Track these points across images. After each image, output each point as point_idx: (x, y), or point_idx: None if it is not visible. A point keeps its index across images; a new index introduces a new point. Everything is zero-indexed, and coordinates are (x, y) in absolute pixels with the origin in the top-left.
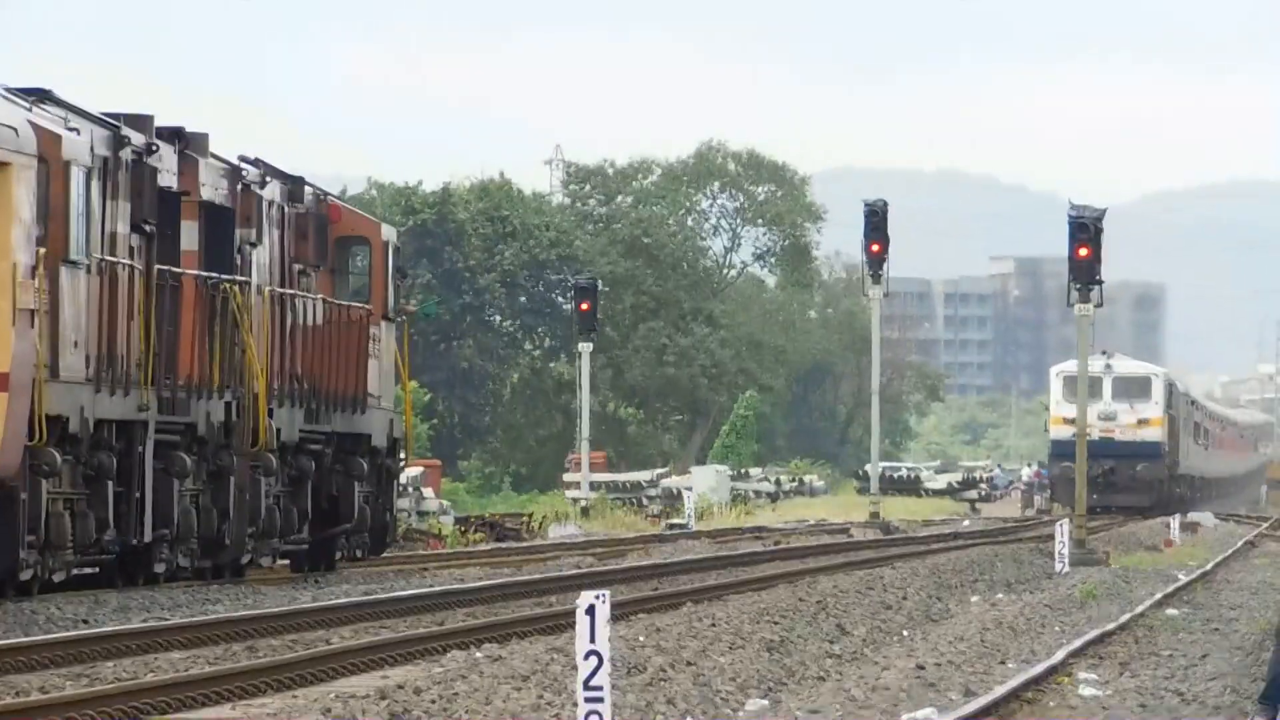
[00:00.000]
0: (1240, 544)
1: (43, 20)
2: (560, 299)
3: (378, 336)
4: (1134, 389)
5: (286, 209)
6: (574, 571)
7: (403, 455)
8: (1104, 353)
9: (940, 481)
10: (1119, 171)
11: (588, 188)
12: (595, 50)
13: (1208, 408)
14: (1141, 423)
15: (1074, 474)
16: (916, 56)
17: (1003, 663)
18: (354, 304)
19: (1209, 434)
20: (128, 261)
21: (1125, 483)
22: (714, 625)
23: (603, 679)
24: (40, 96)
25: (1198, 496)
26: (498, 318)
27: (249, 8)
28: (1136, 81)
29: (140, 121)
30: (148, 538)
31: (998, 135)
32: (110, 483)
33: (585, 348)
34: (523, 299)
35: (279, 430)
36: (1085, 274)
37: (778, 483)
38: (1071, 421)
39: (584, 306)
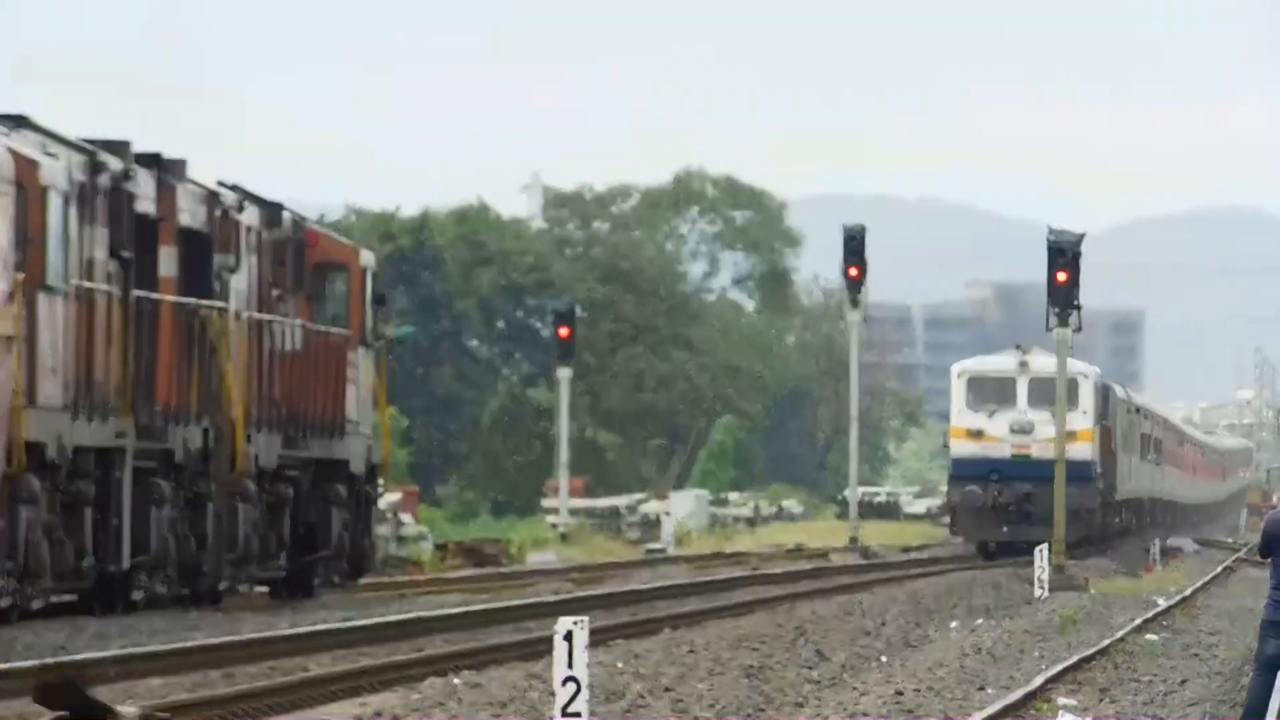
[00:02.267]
0: (1219, 569)
1: (13, 38)
2: (538, 325)
3: (356, 362)
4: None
5: (264, 235)
6: (552, 598)
7: (381, 481)
8: (1018, 346)
9: (919, 506)
10: (1097, 198)
11: (566, 213)
12: (573, 76)
13: (1161, 418)
14: (1066, 436)
15: (979, 501)
16: (896, 83)
17: (982, 689)
18: (332, 330)
19: (1163, 450)
20: (105, 288)
21: (1045, 512)
22: (692, 651)
23: (581, 705)
24: (17, 122)
25: (1147, 525)
26: (476, 343)
27: (226, 36)
28: (1114, 109)
29: (118, 147)
30: (126, 565)
31: (976, 162)
32: (88, 510)
33: (564, 374)
34: (501, 325)
35: (257, 456)
36: (1063, 299)
37: (756, 508)
38: (977, 434)
39: (563, 332)
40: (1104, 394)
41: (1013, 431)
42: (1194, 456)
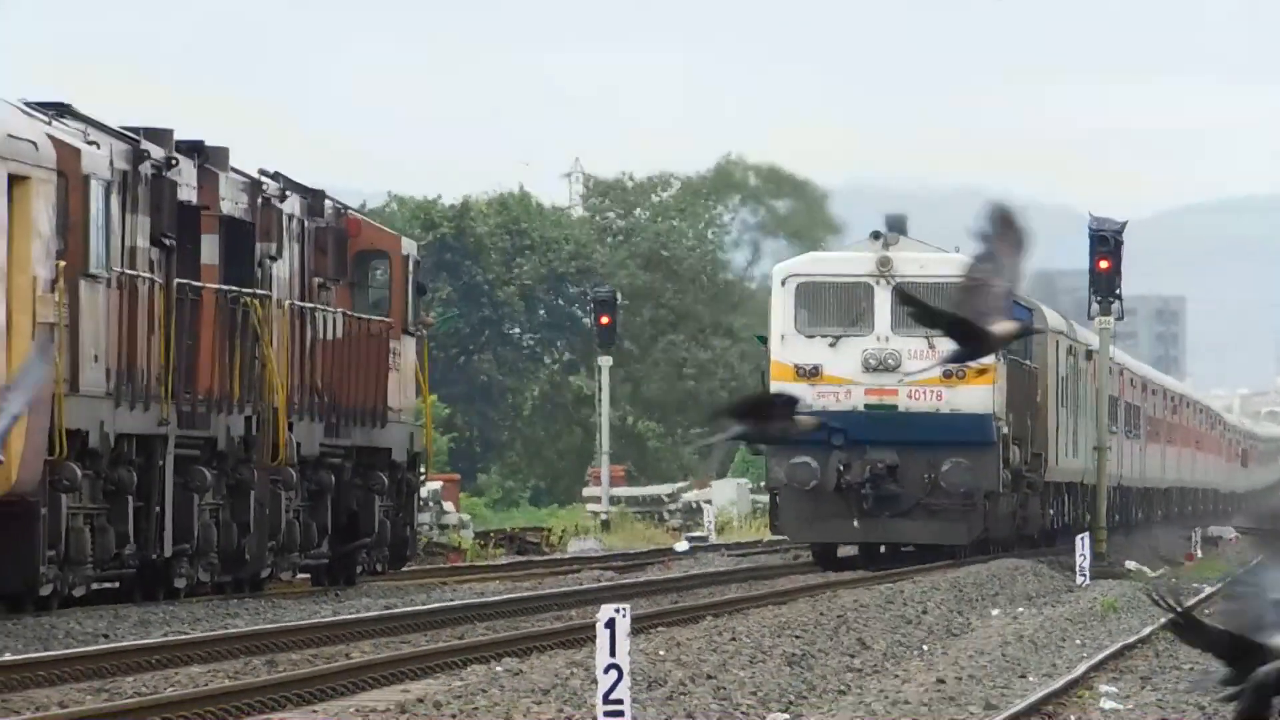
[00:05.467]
0: (1263, 556)
1: (60, 30)
2: (579, 312)
3: (398, 350)
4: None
5: (306, 223)
6: (594, 585)
7: (423, 469)
8: (876, 235)
9: None
10: (1137, 186)
11: (606, 201)
12: (615, 64)
13: (1140, 377)
14: (951, 376)
15: (814, 479)
16: (934, 72)
17: (1023, 676)
18: (374, 318)
19: (1143, 419)
20: (148, 275)
21: (919, 496)
22: (734, 639)
23: (623, 693)
24: (60, 110)
25: (1116, 523)
26: (517, 331)
27: (274, 25)
28: (1155, 96)
29: (160, 135)
30: (168, 552)
31: (1016, 150)
32: (130, 497)
33: (605, 361)
34: (542, 312)
35: (299, 444)
36: (1105, 287)
37: None
38: (812, 374)
39: (603, 320)
40: (1023, 317)
41: (868, 369)
42: (1201, 433)
